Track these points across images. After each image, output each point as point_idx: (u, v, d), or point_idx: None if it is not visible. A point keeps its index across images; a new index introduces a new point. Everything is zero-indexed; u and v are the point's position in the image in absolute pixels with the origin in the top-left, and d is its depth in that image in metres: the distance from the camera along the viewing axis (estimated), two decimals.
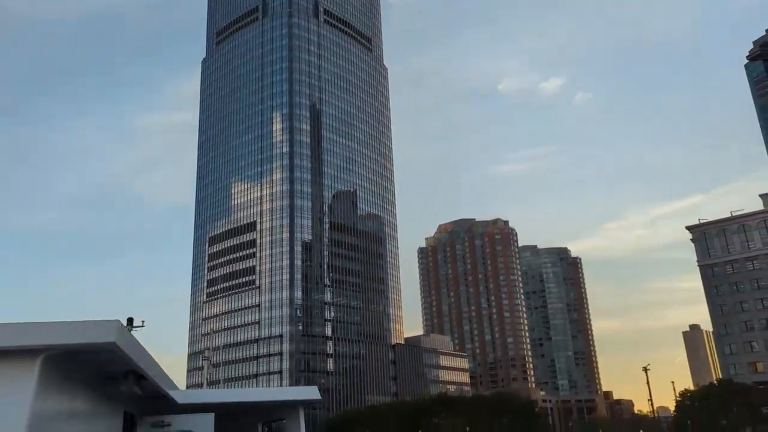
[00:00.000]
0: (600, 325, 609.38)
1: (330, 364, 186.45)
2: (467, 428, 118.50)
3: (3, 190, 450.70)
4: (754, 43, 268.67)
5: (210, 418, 10.87)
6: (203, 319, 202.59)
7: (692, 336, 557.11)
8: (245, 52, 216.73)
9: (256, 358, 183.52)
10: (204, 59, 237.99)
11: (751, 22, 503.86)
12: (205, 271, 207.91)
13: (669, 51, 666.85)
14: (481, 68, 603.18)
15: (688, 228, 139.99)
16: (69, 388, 7.66)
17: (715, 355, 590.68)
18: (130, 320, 21.46)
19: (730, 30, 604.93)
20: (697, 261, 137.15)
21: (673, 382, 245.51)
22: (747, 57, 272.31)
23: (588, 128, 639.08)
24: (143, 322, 24.11)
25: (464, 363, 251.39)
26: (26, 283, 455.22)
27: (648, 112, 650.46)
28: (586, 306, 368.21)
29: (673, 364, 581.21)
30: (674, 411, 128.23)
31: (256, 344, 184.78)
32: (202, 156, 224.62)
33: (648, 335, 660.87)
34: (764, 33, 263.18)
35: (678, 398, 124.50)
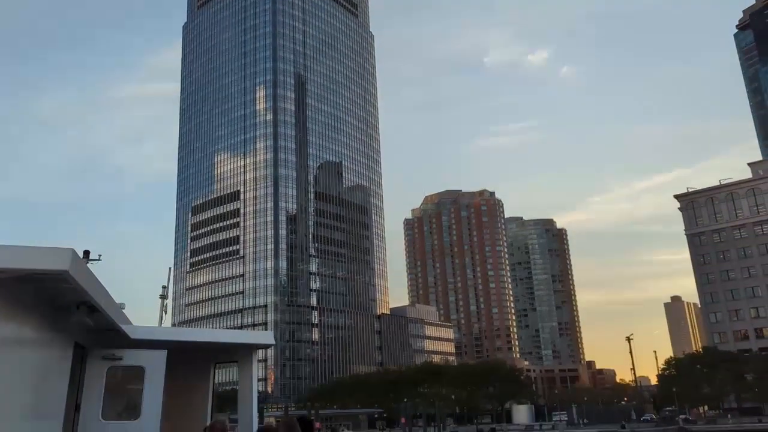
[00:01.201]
0: (583, 298, 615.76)
1: (315, 334, 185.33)
2: (452, 396, 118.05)
3: None
4: (744, 11, 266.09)
5: (162, 354, 10.66)
6: (186, 289, 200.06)
7: (674, 307, 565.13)
8: (227, 17, 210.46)
9: (241, 328, 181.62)
10: (185, 24, 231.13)
11: None
12: (188, 241, 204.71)
13: (656, 23, 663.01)
14: (467, 39, 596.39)
15: (677, 197, 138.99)
16: (17, 315, 7.37)
17: (696, 327, 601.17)
18: (86, 252, 19.84)
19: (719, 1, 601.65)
20: (685, 230, 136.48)
21: (655, 352, 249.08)
22: (736, 26, 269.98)
23: (574, 101, 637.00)
24: (100, 256, 22.62)
25: (450, 333, 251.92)
26: None
27: (634, 85, 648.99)
28: (570, 277, 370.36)
29: (652, 335, 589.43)
30: (657, 379, 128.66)
31: (240, 314, 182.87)
32: (184, 124, 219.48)
33: (630, 307, 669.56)
34: (754, 1, 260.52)
35: (663, 366, 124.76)
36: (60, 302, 8.36)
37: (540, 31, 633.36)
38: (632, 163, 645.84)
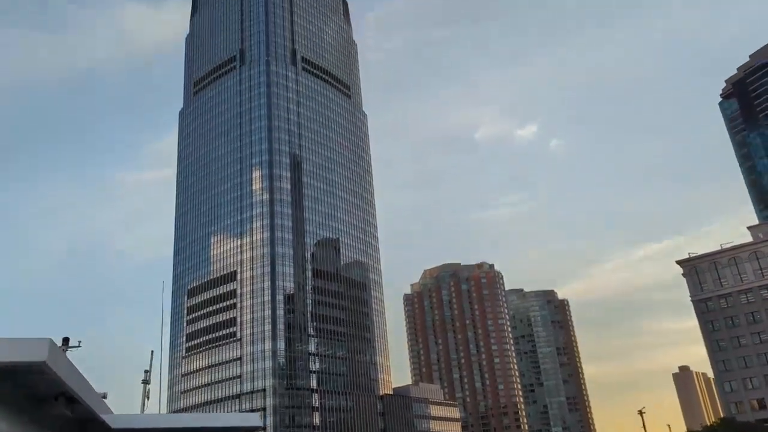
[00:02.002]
0: (589, 370, 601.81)
1: (316, 418, 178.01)
2: None
3: None
4: (726, 81, 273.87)
5: None
6: (183, 375, 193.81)
7: (683, 377, 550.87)
8: (223, 101, 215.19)
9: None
10: (181, 110, 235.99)
11: (722, 61, 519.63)
12: (184, 325, 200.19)
13: (641, 95, 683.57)
14: (457, 117, 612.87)
15: (679, 262, 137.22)
16: None
17: (707, 397, 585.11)
18: (65, 340, 18.78)
19: (701, 71, 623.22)
20: (690, 296, 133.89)
21: (669, 426, 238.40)
22: (720, 95, 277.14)
23: (565, 173, 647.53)
24: (80, 342, 21.69)
25: (455, 412, 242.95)
26: None
27: (624, 156, 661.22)
28: (575, 349, 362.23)
29: (663, 406, 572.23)
30: None
31: (238, 400, 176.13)
32: (180, 207, 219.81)
33: (637, 378, 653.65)
34: (735, 71, 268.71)
35: None
36: (38, 394, 8.07)
37: (527, 107, 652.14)
38: (628, 232, 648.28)
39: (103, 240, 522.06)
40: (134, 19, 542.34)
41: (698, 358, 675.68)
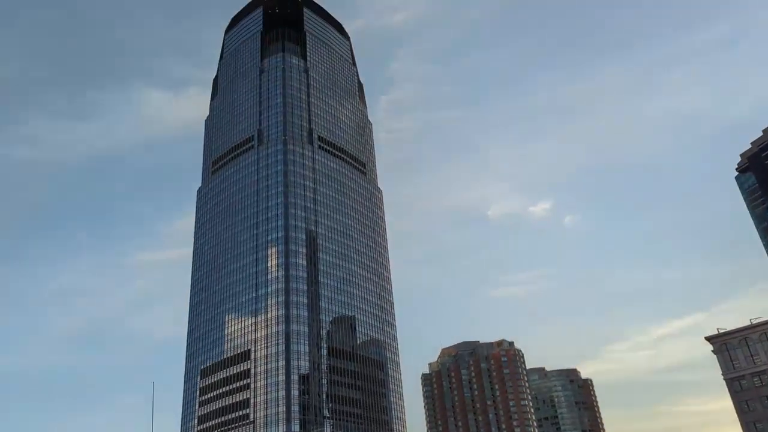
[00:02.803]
0: None
1: None
2: None
3: None
4: (741, 155, 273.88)
5: None
6: None
7: None
8: (240, 179, 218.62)
9: None
10: (199, 189, 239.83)
11: (735, 137, 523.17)
12: (197, 407, 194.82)
13: (655, 170, 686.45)
14: (470, 194, 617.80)
15: (708, 339, 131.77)
16: None
17: None
18: None
19: (714, 146, 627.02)
20: (722, 374, 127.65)
21: None
22: (736, 169, 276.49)
23: (580, 249, 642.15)
24: None
25: None
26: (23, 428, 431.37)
27: (638, 231, 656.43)
28: (602, 431, 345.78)
29: None
30: None
31: None
32: (196, 284, 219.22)
33: None
34: (750, 146, 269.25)
35: None
36: None
37: (538, 184, 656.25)
38: (648, 309, 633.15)
39: (117, 321, 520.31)
40: (156, 104, 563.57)
41: None
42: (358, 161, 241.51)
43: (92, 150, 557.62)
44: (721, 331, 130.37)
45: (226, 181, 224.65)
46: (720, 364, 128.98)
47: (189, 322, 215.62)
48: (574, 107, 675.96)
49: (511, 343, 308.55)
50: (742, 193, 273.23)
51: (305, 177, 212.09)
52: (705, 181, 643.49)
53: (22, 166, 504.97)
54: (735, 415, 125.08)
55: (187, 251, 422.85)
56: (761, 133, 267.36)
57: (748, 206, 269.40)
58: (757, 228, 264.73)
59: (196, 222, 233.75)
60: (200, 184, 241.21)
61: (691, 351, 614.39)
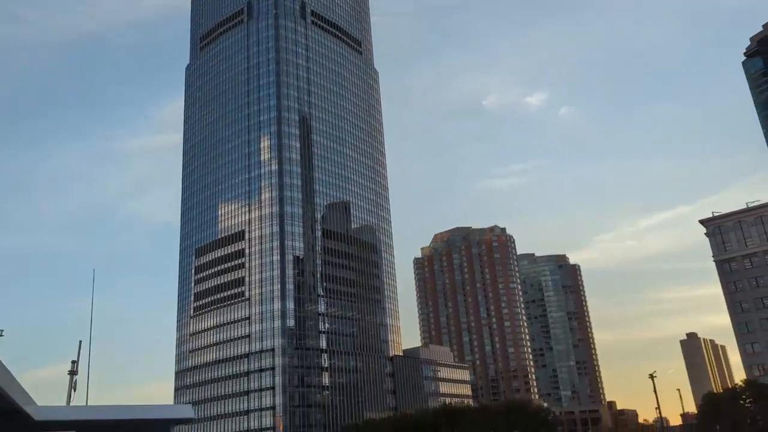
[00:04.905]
0: (598, 337, 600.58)
1: (325, 378, 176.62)
2: None
3: None
4: (751, 39, 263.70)
5: None
6: (190, 335, 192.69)
7: (690, 344, 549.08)
8: (230, 57, 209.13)
9: (247, 374, 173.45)
10: (188, 66, 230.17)
11: (745, 20, 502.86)
12: (192, 285, 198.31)
13: (658, 58, 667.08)
14: (467, 83, 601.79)
15: (702, 222, 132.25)
16: None
17: (713, 363, 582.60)
18: None
19: (722, 31, 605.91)
20: (713, 256, 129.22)
21: (678, 390, 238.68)
22: (744, 54, 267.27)
23: (575, 140, 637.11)
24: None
25: (465, 375, 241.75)
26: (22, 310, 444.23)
27: (637, 122, 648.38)
28: (586, 314, 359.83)
29: (668, 374, 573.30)
30: (696, 417, 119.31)
31: (246, 359, 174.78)
32: (188, 166, 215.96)
33: (645, 345, 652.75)
34: (761, 28, 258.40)
35: (702, 402, 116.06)
36: None
37: (536, 74, 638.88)
38: (639, 200, 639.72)
39: (111, 206, 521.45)
40: None
41: (706, 326, 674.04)
42: (354, 39, 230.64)
43: (77, 31, 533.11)
44: (717, 214, 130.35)
45: (215, 58, 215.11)
46: (712, 247, 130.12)
47: (182, 203, 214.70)
48: None
49: (503, 230, 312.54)
50: (748, 80, 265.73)
51: (298, 55, 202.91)
52: (710, 69, 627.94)
53: (4, 46, 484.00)
54: (714, 301, 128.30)
55: (179, 136, 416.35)
56: None
57: (752, 92, 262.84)
58: (759, 116, 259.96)
59: (186, 102, 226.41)
60: (188, 62, 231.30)
61: (675, 242, 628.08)
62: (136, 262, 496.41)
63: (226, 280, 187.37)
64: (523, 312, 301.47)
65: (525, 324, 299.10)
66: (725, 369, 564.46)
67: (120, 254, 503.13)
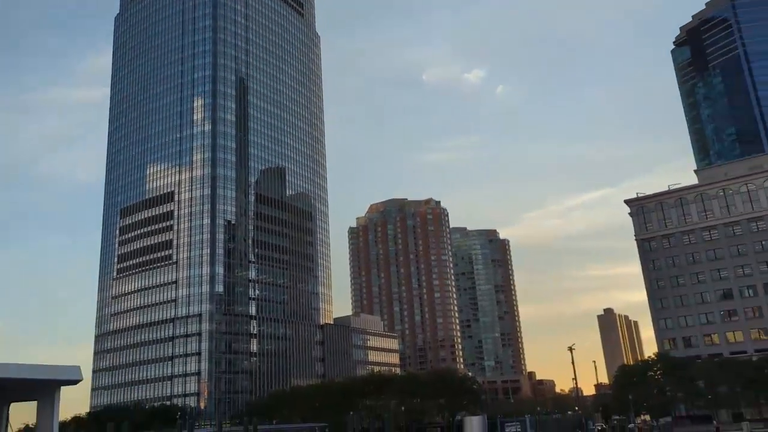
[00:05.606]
0: (523, 309, 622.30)
1: (254, 345, 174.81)
2: (402, 408, 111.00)
3: None
4: (681, 29, 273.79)
5: None
6: (113, 298, 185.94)
7: (606, 319, 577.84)
8: (164, 8, 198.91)
9: (172, 339, 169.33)
10: (117, 15, 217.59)
11: (680, 8, 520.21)
12: (116, 246, 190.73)
13: (594, 44, 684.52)
14: (407, 55, 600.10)
15: (627, 202, 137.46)
16: None
17: (626, 337, 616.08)
18: None
19: (657, 19, 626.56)
20: (635, 235, 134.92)
21: (594, 362, 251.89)
22: (674, 43, 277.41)
23: (510, 119, 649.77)
24: None
25: (394, 344, 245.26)
26: None
27: (569, 104, 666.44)
28: (513, 288, 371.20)
29: (584, 346, 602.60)
30: (610, 388, 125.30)
31: (172, 324, 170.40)
32: (114, 122, 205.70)
33: (565, 319, 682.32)
34: (691, 19, 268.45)
35: (617, 373, 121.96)
36: None
37: (476, 51, 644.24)
38: (569, 180, 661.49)
39: (31, 161, 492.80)
40: None
41: (622, 303, 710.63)
42: (296, 1, 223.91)
43: None
44: (641, 195, 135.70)
45: (147, 9, 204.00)
46: (634, 226, 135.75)
47: (107, 161, 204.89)
48: None
49: (438, 203, 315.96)
50: (675, 68, 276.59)
51: (237, 12, 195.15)
52: (642, 56, 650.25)
53: None
54: (631, 279, 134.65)
55: (105, 90, 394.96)
56: (704, 7, 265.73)
57: (678, 81, 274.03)
58: (684, 104, 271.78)
59: (114, 54, 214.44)
60: (118, 11, 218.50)
61: (600, 222, 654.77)
62: (56, 220, 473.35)
63: (152, 242, 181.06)
64: (453, 284, 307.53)
65: (454, 296, 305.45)
66: (637, 343, 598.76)
67: (38, 211, 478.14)
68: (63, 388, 12.65)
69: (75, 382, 12.86)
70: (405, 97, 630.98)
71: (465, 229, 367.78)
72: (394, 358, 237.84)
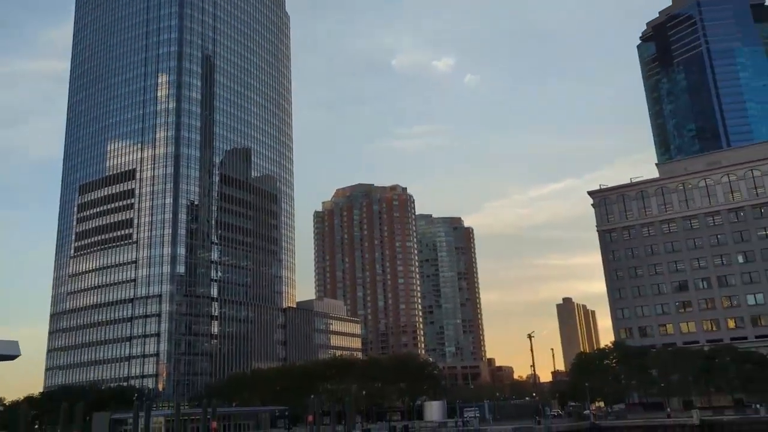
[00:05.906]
0: (485, 296, 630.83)
1: (215, 327, 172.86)
2: (363, 392, 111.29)
3: None
4: (647, 24, 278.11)
5: None
6: (70, 276, 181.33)
7: (565, 308, 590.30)
8: None
9: (131, 319, 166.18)
10: None
11: (648, 5, 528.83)
12: (74, 223, 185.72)
13: (562, 38, 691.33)
14: (378, 40, 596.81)
15: (590, 193, 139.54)
16: None
17: (584, 326, 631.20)
18: None
19: (626, 15, 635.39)
20: (597, 226, 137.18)
21: (552, 350, 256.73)
22: (640, 38, 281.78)
23: (478, 108, 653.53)
24: None
25: (356, 328, 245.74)
26: None
27: (537, 96, 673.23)
28: (475, 275, 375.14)
29: (542, 334, 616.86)
30: (567, 374, 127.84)
31: (131, 304, 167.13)
32: (74, 96, 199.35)
33: (525, 307, 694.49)
34: (657, 15, 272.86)
35: (574, 361, 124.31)
36: None
37: (445, 40, 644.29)
38: (533, 170, 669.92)
39: None
40: None
41: (581, 292, 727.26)
42: None
43: None
44: (604, 186, 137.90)
45: None
46: (596, 217, 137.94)
47: (66, 135, 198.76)
48: None
49: (404, 189, 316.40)
50: (640, 63, 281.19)
51: None
52: (609, 51, 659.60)
53: None
54: (590, 269, 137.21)
55: (64, 63, 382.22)
56: (671, 3, 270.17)
57: (643, 76, 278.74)
58: (647, 98, 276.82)
59: (76, 25, 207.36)
60: None
61: (562, 212, 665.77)
62: (11, 195, 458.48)
63: (112, 220, 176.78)
64: (417, 270, 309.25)
65: (418, 282, 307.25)
66: (594, 332, 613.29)
67: None
68: (13, 368, 11.67)
69: (12, 357, 12.20)
70: (374, 82, 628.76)
71: (430, 216, 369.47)
72: (357, 343, 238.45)
